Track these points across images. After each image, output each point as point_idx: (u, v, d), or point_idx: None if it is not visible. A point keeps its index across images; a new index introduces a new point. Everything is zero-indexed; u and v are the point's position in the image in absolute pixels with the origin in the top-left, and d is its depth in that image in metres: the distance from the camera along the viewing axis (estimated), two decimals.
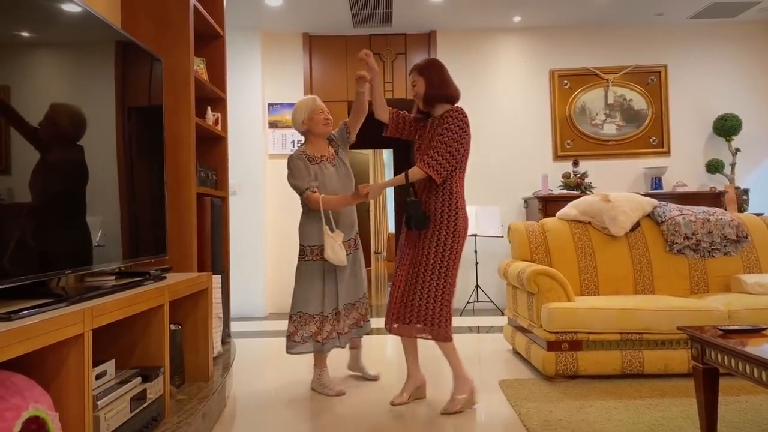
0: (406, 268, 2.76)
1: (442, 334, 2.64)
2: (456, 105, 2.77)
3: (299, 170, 2.97)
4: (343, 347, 3.05)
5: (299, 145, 5.73)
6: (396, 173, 9.21)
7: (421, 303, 2.64)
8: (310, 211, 3.00)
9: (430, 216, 2.69)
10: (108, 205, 2.14)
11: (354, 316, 3.10)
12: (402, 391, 2.85)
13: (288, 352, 2.97)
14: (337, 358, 3.58)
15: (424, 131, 2.84)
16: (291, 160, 3.02)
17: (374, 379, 3.23)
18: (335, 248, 2.88)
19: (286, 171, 3.04)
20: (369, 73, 2.87)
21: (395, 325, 2.73)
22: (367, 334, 3.20)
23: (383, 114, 2.91)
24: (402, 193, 2.99)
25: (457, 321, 5.05)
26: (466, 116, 2.71)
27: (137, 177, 2.41)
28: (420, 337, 2.70)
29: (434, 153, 2.64)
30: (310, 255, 3.00)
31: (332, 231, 2.92)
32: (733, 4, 5.35)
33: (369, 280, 5.96)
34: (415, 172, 2.67)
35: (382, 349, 4.09)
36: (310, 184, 2.95)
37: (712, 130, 5.84)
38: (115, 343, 2.20)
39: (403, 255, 2.81)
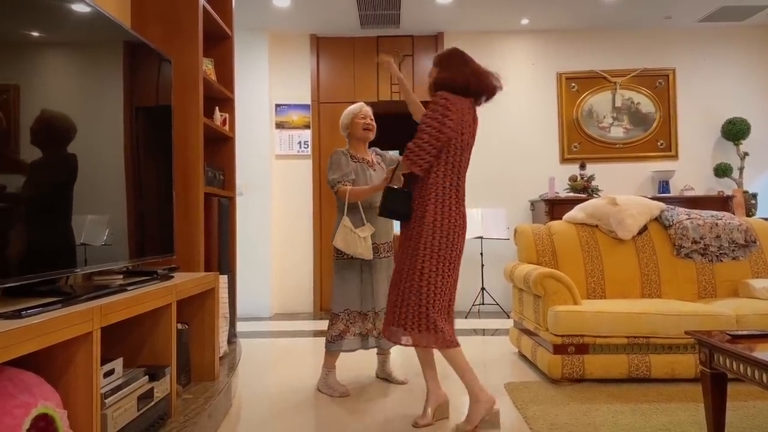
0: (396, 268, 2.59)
1: (424, 340, 2.43)
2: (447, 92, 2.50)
3: (338, 164, 3.02)
4: (385, 348, 3.11)
5: (305, 146, 5.83)
6: None
7: (400, 305, 2.48)
8: (342, 209, 3.02)
9: (410, 209, 2.51)
10: (116, 205, 2.15)
11: None
12: (424, 410, 2.56)
13: (339, 351, 3.00)
14: (346, 361, 3.58)
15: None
16: (333, 153, 3.09)
17: (403, 383, 3.18)
18: (348, 238, 2.90)
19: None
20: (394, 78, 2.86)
21: (385, 331, 2.57)
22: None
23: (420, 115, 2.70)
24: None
25: (462, 323, 5.04)
26: (447, 100, 2.45)
27: (145, 176, 2.42)
28: (401, 344, 2.48)
29: (411, 143, 2.47)
30: (345, 253, 3.05)
31: (362, 224, 2.95)
32: (742, 7, 5.32)
33: None
34: (402, 165, 2.54)
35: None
36: (342, 177, 2.98)
37: (720, 134, 5.82)
38: (122, 341, 2.21)
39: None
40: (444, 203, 2.48)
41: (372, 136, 3.16)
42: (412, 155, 2.45)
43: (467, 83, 2.55)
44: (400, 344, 2.49)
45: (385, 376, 3.26)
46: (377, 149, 3.29)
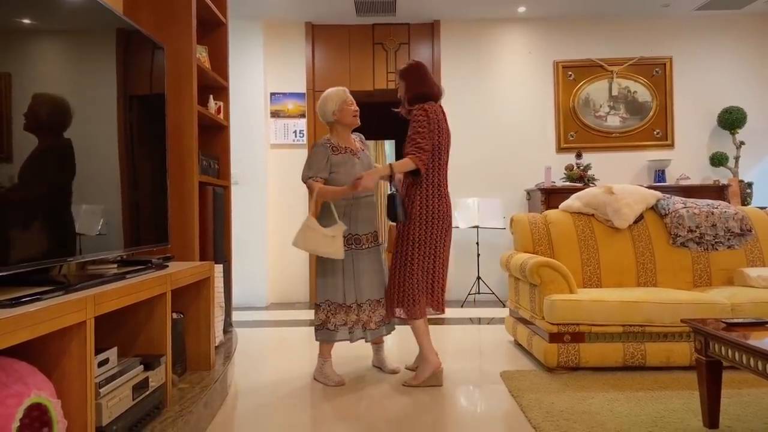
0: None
1: (407, 312, 2.93)
2: (427, 103, 2.89)
3: (316, 158, 2.97)
4: (368, 341, 3.04)
5: (300, 135, 5.79)
6: None
7: (391, 285, 2.99)
8: (324, 206, 3.03)
9: (407, 208, 2.94)
10: (110, 194, 2.13)
11: (381, 313, 3.04)
12: (417, 373, 2.95)
13: (325, 341, 3.01)
14: (341, 350, 3.58)
15: None
16: (314, 146, 3.04)
17: (394, 372, 3.18)
18: (307, 238, 2.85)
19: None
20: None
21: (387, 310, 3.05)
22: (391, 330, 3.16)
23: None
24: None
25: (458, 312, 5.06)
26: (427, 111, 2.85)
27: (139, 165, 2.40)
28: (398, 317, 3.03)
29: (412, 147, 2.84)
30: None
31: (334, 222, 2.89)
32: None
33: None
34: (403, 164, 2.85)
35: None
36: (316, 173, 2.94)
37: (716, 123, 5.81)
38: (117, 331, 2.20)
39: None
40: (428, 199, 2.89)
41: (359, 122, 3.11)
42: (421, 154, 2.82)
43: (432, 93, 2.98)
44: (395, 316, 3.04)
45: (379, 365, 3.27)
46: (362, 136, 3.23)
